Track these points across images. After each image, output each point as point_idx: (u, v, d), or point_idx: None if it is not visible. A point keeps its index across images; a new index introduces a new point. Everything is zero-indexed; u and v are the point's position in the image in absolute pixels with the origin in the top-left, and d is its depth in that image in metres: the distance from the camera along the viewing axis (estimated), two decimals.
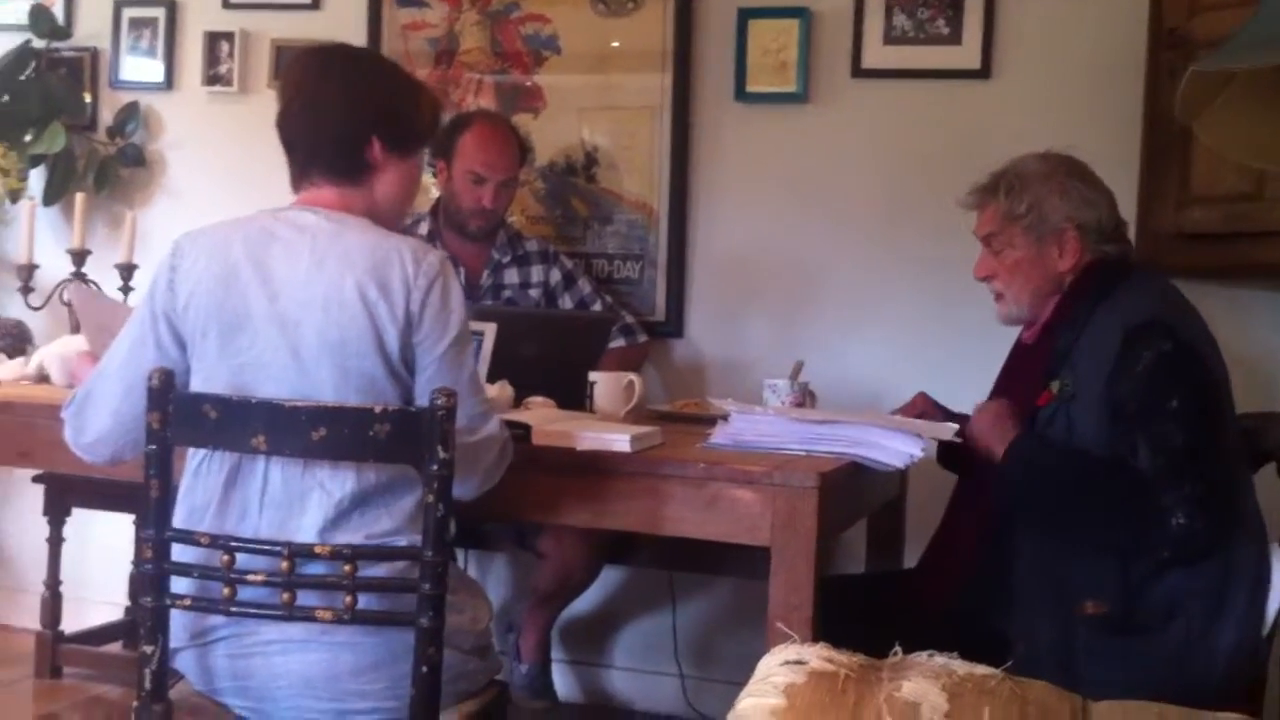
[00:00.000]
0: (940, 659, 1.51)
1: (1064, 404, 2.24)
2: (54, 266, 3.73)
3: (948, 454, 2.60)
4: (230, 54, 4.00)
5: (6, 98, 3.97)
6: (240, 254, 2.00)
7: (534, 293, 3.43)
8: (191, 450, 2.01)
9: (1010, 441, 2.26)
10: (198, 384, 2.01)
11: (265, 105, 3.88)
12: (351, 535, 1.93)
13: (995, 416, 2.32)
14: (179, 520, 1.99)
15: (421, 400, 1.96)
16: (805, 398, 2.70)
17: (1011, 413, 2.32)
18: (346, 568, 1.85)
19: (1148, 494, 2.09)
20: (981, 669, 1.49)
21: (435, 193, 3.49)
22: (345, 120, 2.07)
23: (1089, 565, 2.16)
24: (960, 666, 1.49)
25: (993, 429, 2.30)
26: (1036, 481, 2.25)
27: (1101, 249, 2.35)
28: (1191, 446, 2.09)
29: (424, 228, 3.38)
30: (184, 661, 2.02)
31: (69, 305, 3.56)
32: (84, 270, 3.59)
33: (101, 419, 2.05)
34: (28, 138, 3.95)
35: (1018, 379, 2.47)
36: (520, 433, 2.17)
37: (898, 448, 2.23)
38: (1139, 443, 2.13)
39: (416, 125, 2.16)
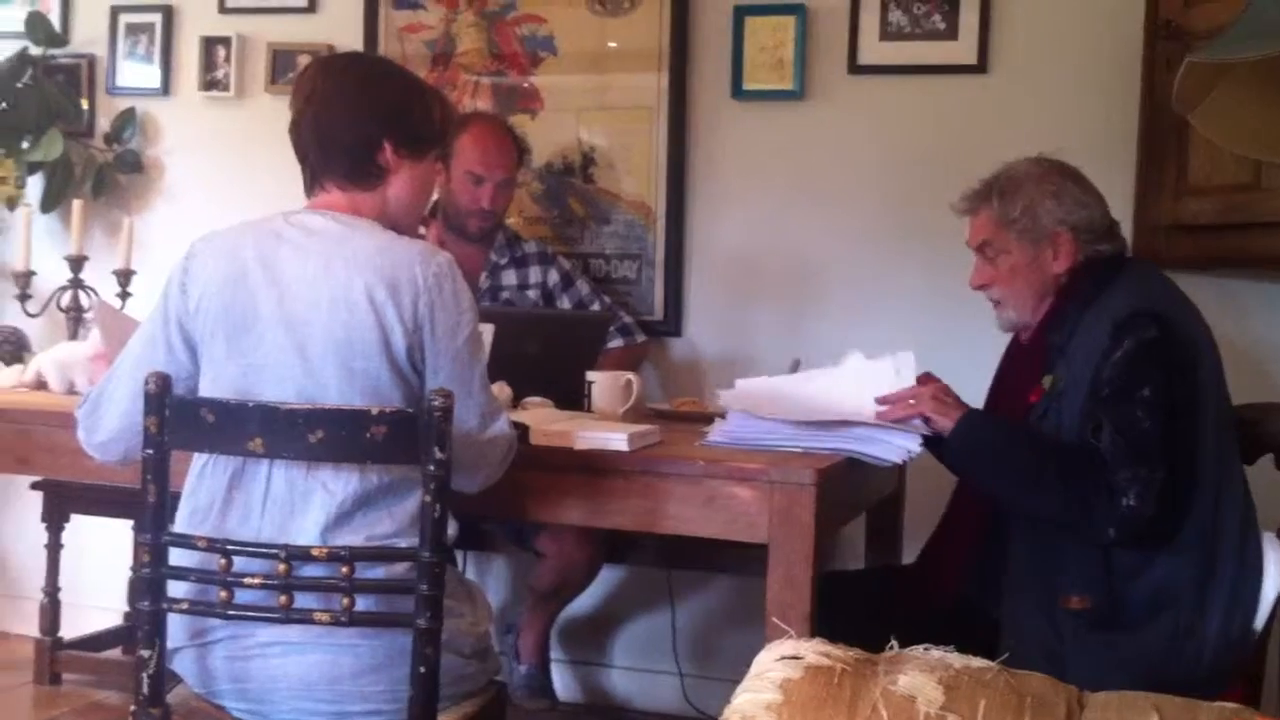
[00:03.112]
0: (936, 652, 1.51)
1: (1054, 399, 2.22)
2: (51, 273, 3.73)
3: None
4: (227, 59, 4.00)
5: (4, 105, 3.97)
6: (250, 255, 2.01)
7: (532, 294, 3.43)
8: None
9: (962, 413, 2.24)
10: (206, 385, 2.02)
11: (262, 110, 3.96)
12: (353, 536, 1.93)
13: (934, 399, 2.27)
14: (181, 521, 1.99)
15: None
16: None
17: (949, 392, 2.29)
18: (344, 569, 1.85)
19: (1102, 472, 2.08)
20: (978, 662, 1.49)
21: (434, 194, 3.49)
22: (356, 124, 2.08)
23: (1072, 558, 2.15)
24: (956, 659, 1.48)
25: (938, 407, 2.25)
26: (987, 452, 2.23)
27: (1095, 249, 2.34)
28: (1156, 433, 2.08)
29: (421, 230, 3.38)
30: (182, 663, 2.02)
31: (66, 312, 3.57)
32: (81, 276, 3.59)
33: (113, 419, 2.06)
34: (25, 145, 3.96)
35: (1014, 379, 2.46)
36: (518, 433, 2.17)
37: (896, 443, 2.23)
38: (1104, 423, 2.12)
39: (428, 127, 2.15)
